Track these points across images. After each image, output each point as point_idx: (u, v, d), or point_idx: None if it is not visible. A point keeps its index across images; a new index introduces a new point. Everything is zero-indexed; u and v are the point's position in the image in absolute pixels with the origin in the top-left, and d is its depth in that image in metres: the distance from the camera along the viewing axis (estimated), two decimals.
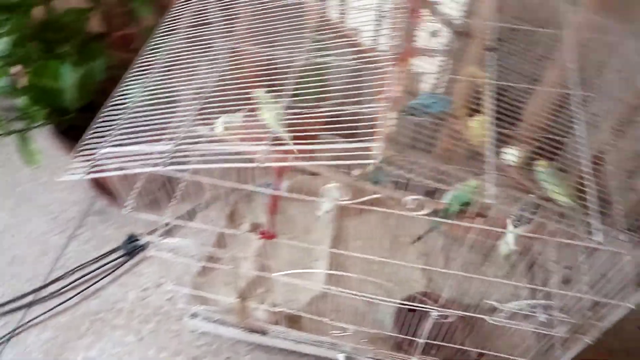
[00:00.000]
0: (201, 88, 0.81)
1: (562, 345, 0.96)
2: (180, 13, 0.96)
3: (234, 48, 0.96)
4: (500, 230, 0.72)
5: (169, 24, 0.95)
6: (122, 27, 1.28)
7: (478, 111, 0.83)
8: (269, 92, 0.84)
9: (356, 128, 0.65)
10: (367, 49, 0.96)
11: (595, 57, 0.90)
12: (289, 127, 0.69)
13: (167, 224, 0.94)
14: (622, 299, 0.79)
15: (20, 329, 1.27)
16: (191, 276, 1.19)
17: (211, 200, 1.25)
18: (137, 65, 0.89)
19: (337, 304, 1.10)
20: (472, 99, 0.88)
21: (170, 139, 0.72)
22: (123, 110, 0.80)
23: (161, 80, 0.89)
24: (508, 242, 1.00)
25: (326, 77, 0.80)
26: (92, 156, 0.74)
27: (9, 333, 1.26)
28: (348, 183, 0.76)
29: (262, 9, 0.96)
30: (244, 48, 0.99)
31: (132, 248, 1.38)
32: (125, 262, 1.39)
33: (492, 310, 0.91)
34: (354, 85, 0.77)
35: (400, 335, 1.07)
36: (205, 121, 0.94)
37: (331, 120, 0.75)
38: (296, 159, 0.65)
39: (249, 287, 1.16)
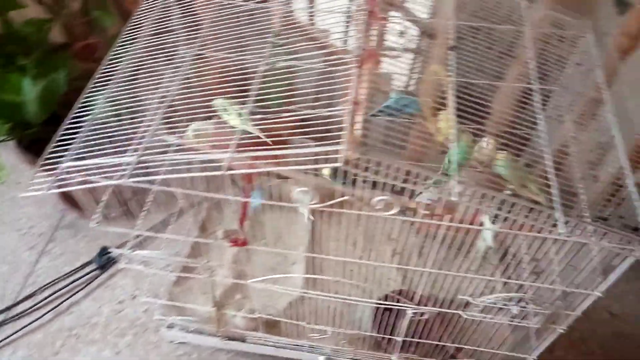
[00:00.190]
0: (165, 96, 0.80)
1: (537, 336, 0.97)
2: (142, 21, 0.95)
3: (198, 54, 0.95)
4: (471, 227, 0.72)
5: (131, 33, 0.94)
6: (84, 36, 1.25)
7: (443, 109, 0.84)
8: (235, 97, 0.84)
9: (325, 131, 0.65)
10: (336, 50, 0.96)
11: (555, 52, 0.92)
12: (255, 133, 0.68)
13: (137, 236, 0.92)
14: (591, 288, 0.80)
15: None
16: (166, 286, 1.18)
17: (184, 209, 1.24)
18: (99, 76, 0.87)
19: (315, 307, 1.10)
20: (437, 97, 0.89)
21: (135, 150, 0.71)
22: (86, 122, 0.78)
23: (125, 89, 0.87)
24: (485, 238, 1.02)
25: (290, 81, 0.80)
26: (55, 170, 0.73)
27: None
28: (317, 186, 0.76)
29: (226, 15, 0.95)
30: (208, 54, 0.98)
31: (104, 261, 1.35)
32: (99, 275, 1.36)
33: (467, 305, 0.92)
34: (320, 89, 0.77)
35: (379, 335, 1.07)
36: (172, 129, 0.93)
37: (299, 125, 0.75)
38: (262, 165, 0.64)
39: (226, 294, 1.15)
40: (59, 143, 0.77)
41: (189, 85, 0.90)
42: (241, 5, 0.95)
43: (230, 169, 0.64)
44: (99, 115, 0.80)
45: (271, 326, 1.13)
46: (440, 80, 0.82)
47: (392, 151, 1.10)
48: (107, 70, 0.87)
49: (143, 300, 1.11)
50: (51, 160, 0.75)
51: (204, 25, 0.86)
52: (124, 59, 0.88)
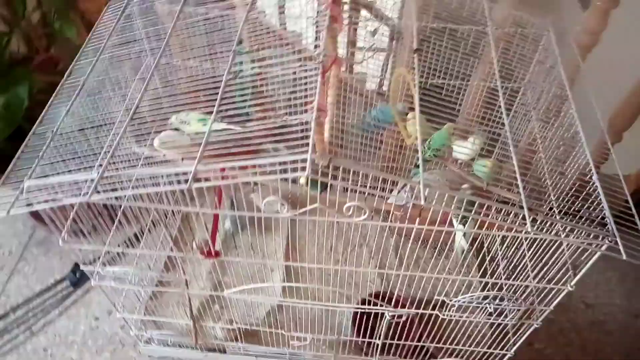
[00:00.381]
0: (131, 107, 0.78)
1: (514, 331, 0.98)
2: (104, 32, 0.93)
3: (164, 63, 0.93)
4: (441, 228, 0.73)
5: (94, 44, 0.92)
6: (46, 49, 1.22)
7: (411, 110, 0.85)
8: (204, 106, 0.83)
9: (294, 139, 0.64)
10: (306, 55, 0.96)
11: (518, 51, 0.93)
12: (220, 143, 0.67)
13: (108, 252, 0.90)
14: (563, 283, 0.82)
15: None
16: (142, 301, 1.15)
17: (156, 221, 1.22)
18: (62, 89, 0.85)
19: (295, 314, 1.10)
20: (406, 101, 0.89)
21: (100, 165, 0.69)
22: (49, 138, 0.76)
23: (89, 102, 0.85)
24: (459, 240, 1.02)
25: (256, 89, 0.79)
26: (18, 189, 0.71)
27: None
28: (288, 193, 0.76)
29: (191, 23, 0.94)
30: (175, 63, 0.97)
31: (78, 277, 1.32)
32: (73, 292, 1.33)
33: (444, 305, 0.93)
34: (287, 96, 0.77)
35: (359, 339, 1.07)
36: (140, 140, 0.92)
37: (267, 133, 0.74)
38: (228, 177, 0.63)
39: (204, 305, 1.14)
40: (22, 160, 0.74)
41: (156, 95, 0.88)
42: (206, 14, 0.94)
43: (197, 180, 0.63)
44: (62, 130, 0.78)
45: (251, 335, 1.12)
46: (406, 84, 0.83)
47: (366, 155, 1.11)
48: (70, 82, 0.85)
49: (119, 315, 1.09)
50: (13, 179, 0.73)
51: (168, 35, 0.85)
52: (87, 71, 0.86)
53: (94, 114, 0.86)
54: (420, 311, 0.93)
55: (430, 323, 1.00)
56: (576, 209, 0.79)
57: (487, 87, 1.03)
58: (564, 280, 0.81)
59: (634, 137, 1.37)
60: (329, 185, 0.68)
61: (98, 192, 0.64)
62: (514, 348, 0.99)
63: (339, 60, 0.69)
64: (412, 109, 0.87)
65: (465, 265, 1.23)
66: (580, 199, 0.79)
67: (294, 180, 0.78)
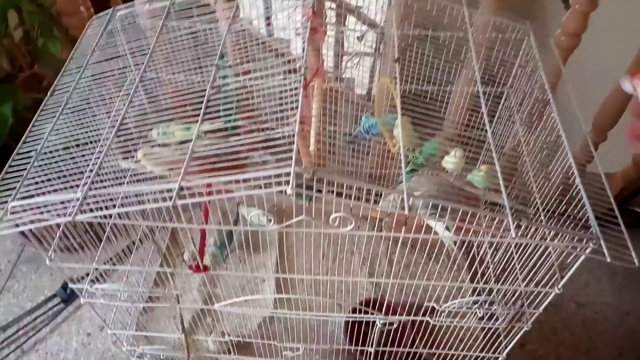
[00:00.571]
0: (115, 124, 0.78)
1: (505, 334, 0.99)
2: (87, 48, 0.93)
3: (148, 78, 0.94)
4: (426, 236, 0.73)
5: (77, 61, 0.91)
6: (30, 66, 1.22)
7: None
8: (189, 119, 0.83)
9: (280, 152, 0.65)
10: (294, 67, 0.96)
11: (500, 56, 0.94)
12: (205, 157, 0.67)
13: (96, 269, 0.90)
14: (551, 285, 0.82)
15: None
16: (134, 316, 1.15)
17: (146, 235, 1.21)
18: (46, 106, 0.85)
19: (287, 324, 1.10)
20: (391, 110, 0.90)
21: (84, 184, 0.69)
22: (34, 157, 0.76)
23: (74, 119, 0.85)
24: (448, 243, 1.03)
25: (239, 103, 0.79)
26: (2, 211, 0.70)
27: None
28: (274, 205, 0.76)
29: (174, 37, 0.94)
30: (160, 77, 0.97)
31: (69, 294, 1.31)
32: (64, 309, 1.32)
33: (434, 310, 0.93)
34: (272, 109, 0.77)
35: (351, 347, 1.07)
36: (126, 155, 0.91)
37: (253, 147, 0.74)
38: (213, 193, 0.63)
39: (196, 319, 1.13)
40: (7, 179, 0.74)
41: (141, 110, 0.88)
42: (190, 27, 0.94)
43: (182, 196, 0.63)
44: (47, 149, 0.78)
45: (243, 347, 1.11)
46: (390, 92, 0.83)
47: (355, 161, 1.11)
48: (54, 100, 0.85)
49: (110, 332, 1.08)
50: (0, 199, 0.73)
51: (152, 49, 0.85)
52: (71, 87, 0.86)
53: (79, 132, 0.85)
54: (411, 318, 0.93)
55: (422, 329, 1.00)
56: (561, 212, 0.80)
57: (471, 93, 1.04)
58: (551, 282, 0.82)
59: (618, 135, 1.39)
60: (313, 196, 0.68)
61: (83, 211, 0.64)
62: (506, 351, 1.00)
63: (321, 72, 0.69)
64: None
65: (455, 269, 1.23)
66: (564, 202, 0.79)
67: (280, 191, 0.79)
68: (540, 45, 0.95)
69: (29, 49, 1.21)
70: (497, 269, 1.00)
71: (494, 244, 1.06)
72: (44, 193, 0.73)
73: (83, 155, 0.82)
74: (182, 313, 1.03)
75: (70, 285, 0.87)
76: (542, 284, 0.83)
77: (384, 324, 0.95)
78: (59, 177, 0.78)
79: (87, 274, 0.94)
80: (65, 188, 0.74)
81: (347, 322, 1.12)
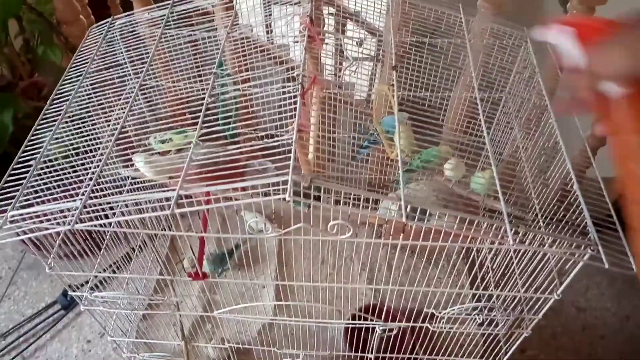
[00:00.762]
0: (114, 132, 0.78)
1: (506, 340, 0.99)
2: (87, 56, 0.93)
3: (148, 85, 0.94)
4: (423, 242, 0.73)
5: (76, 69, 0.92)
6: (30, 74, 1.22)
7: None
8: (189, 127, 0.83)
9: (280, 160, 0.65)
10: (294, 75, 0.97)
11: (498, 62, 0.94)
12: (204, 165, 0.68)
13: (95, 277, 0.90)
14: (550, 291, 0.82)
15: None
16: (134, 323, 1.15)
17: (145, 242, 1.22)
18: (46, 115, 0.85)
19: (287, 330, 1.09)
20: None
21: (83, 193, 0.70)
22: (32, 166, 0.76)
23: (73, 128, 0.86)
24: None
25: (237, 111, 0.79)
26: (1, 219, 0.71)
27: None
28: (273, 212, 0.76)
29: (173, 46, 0.95)
30: (159, 85, 0.97)
31: (69, 300, 1.31)
32: (64, 315, 1.32)
33: (434, 316, 0.93)
34: (272, 117, 0.77)
35: (351, 353, 1.07)
36: (126, 163, 0.92)
37: (252, 155, 0.74)
38: (210, 201, 0.64)
39: (196, 326, 1.13)
40: (6, 187, 0.74)
41: (141, 117, 0.89)
42: (188, 35, 0.95)
43: (180, 205, 0.63)
44: (46, 157, 0.78)
45: (243, 354, 1.11)
46: (387, 100, 0.84)
47: (354, 169, 1.11)
48: (54, 108, 0.86)
49: (110, 339, 1.09)
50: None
51: (151, 57, 0.85)
52: (71, 96, 0.86)
53: (79, 140, 0.86)
54: (410, 324, 0.94)
55: (422, 335, 1.00)
56: (559, 218, 0.80)
57: (469, 99, 1.04)
58: (550, 288, 0.82)
59: None
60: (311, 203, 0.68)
61: (82, 220, 0.65)
62: (506, 356, 1.00)
63: (319, 80, 0.69)
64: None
65: (455, 273, 1.23)
66: (562, 208, 0.80)
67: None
68: (537, 51, 0.95)
69: (29, 57, 1.22)
70: (497, 275, 1.00)
71: (493, 250, 1.06)
72: (43, 201, 0.73)
73: (83, 164, 0.83)
74: (181, 320, 1.03)
75: (70, 292, 0.87)
76: (541, 289, 0.83)
77: (384, 331, 0.95)
78: (58, 186, 0.78)
79: (87, 282, 0.94)
80: (65, 196, 0.75)
81: (346, 329, 1.12)
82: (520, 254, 0.90)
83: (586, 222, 0.73)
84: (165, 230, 1.06)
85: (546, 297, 0.82)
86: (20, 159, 0.78)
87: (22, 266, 1.45)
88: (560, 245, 0.70)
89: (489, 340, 0.99)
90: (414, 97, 0.95)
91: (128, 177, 0.96)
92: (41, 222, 0.69)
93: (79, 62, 0.93)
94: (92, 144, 0.88)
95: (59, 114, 0.83)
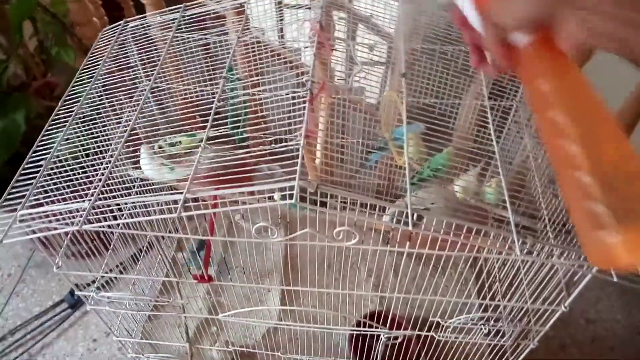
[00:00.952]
0: (124, 134, 0.79)
1: (512, 351, 0.98)
2: (99, 58, 0.94)
3: (159, 88, 0.95)
4: (429, 251, 0.72)
5: (88, 71, 0.93)
6: (43, 75, 1.24)
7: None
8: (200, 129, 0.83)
9: (288, 165, 0.65)
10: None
11: (509, 70, 0.93)
12: (211, 170, 0.68)
13: (102, 276, 0.91)
14: (558, 303, 0.81)
15: None
16: (139, 323, 1.16)
17: (153, 243, 1.22)
18: (57, 115, 0.86)
19: (292, 334, 1.09)
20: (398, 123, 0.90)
21: (92, 194, 0.70)
22: (43, 165, 0.77)
23: (84, 129, 0.86)
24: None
25: (246, 115, 0.80)
26: (12, 218, 0.71)
27: None
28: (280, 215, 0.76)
29: (185, 49, 0.95)
30: (170, 88, 0.98)
31: (76, 299, 1.32)
32: (71, 314, 1.33)
33: (439, 325, 0.92)
34: (281, 122, 0.77)
35: None
36: (136, 164, 0.92)
37: (260, 159, 0.75)
38: (217, 205, 0.64)
39: (200, 328, 1.13)
40: (17, 186, 0.75)
41: (151, 120, 0.89)
42: (200, 39, 0.95)
43: (187, 208, 0.63)
44: (57, 158, 0.79)
45: (247, 357, 1.11)
46: (397, 107, 0.83)
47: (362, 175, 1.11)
48: (65, 109, 0.86)
49: (115, 339, 1.09)
50: (7, 206, 0.74)
51: (162, 60, 0.86)
52: (82, 97, 0.87)
53: (89, 141, 0.87)
54: (416, 332, 0.93)
55: (427, 343, 0.99)
56: (569, 229, 0.79)
57: (479, 106, 1.03)
58: (558, 300, 0.81)
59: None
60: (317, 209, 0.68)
61: (90, 221, 0.65)
62: None
63: (327, 87, 0.69)
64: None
65: (462, 282, 1.23)
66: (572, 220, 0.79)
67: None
68: None
69: (43, 58, 1.23)
70: (504, 285, 0.99)
71: (501, 260, 1.05)
72: (52, 201, 0.74)
73: (92, 165, 0.83)
74: (187, 322, 1.04)
75: (77, 292, 0.87)
76: (548, 301, 0.82)
77: (389, 338, 0.95)
78: (68, 186, 0.79)
79: (94, 281, 0.95)
80: (74, 197, 0.75)
81: (351, 335, 1.11)
82: (528, 264, 0.89)
83: None
84: (172, 232, 1.07)
85: (554, 309, 0.81)
86: (31, 159, 0.78)
87: (30, 264, 1.46)
88: (568, 257, 0.69)
89: (495, 350, 0.98)
90: (423, 105, 0.94)
91: (137, 179, 0.97)
92: (50, 221, 0.69)
93: (91, 63, 0.93)
94: (102, 145, 0.89)
95: (70, 115, 0.84)
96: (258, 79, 0.76)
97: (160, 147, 0.80)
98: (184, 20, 0.93)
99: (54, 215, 0.69)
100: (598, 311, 1.41)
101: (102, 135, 0.89)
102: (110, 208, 0.67)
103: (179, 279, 0.79)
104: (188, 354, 1.04)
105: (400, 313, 1.09)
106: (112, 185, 0.78)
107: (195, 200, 0.63)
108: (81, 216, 0.66)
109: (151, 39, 0.95)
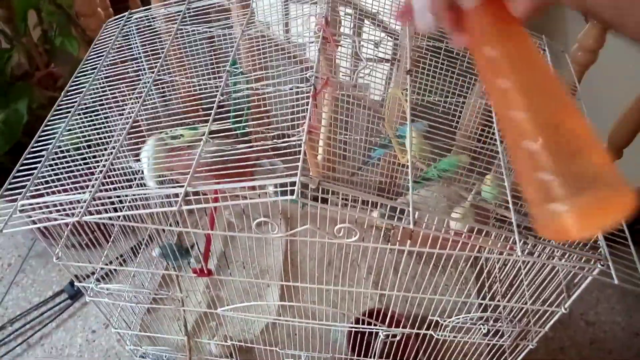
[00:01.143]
0: (125, 126, 0.79)
1: (511, 351, 0.97)
2: (102, 49, 0.94)
3: (163, 80, 0.94)
4: (430, 250, 0.72)
5: (92, 62, 0.93)
6: (46, 65, 1.24)
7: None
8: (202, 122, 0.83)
9: (290, 161, 0.65)
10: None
11: None
12: (212, 164, 0.68)
13: (102, 268, 0.91)
14: (558, 304, 0.81)
15: None
16: (138, 315, 1.16)
17: (153, 235, 1.22)
18: (60, 105, 0.86)
19: (290, 329, 1.09)
20: (402, 121, 0.90)
21: (93, 185, 0.70)
22: (45, 157, 0.77)
23: (86, 120, 0.86)
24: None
25: (248, 110, 0.79)
26: (11, 208, 0.71)
27: None
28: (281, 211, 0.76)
29: (189, 42, 0.95)
30: (174, 81, 0.98)
31: (76, 290, 1.32)
32: (70, 305, 1.34)
33: (438, 324, 0.92)
34: (284, 117, 0.77)
35: (354, 357, 1.06)
36: (138, 156, 0.92)
37: (265, 154, 0.74)
38: (218, 199, 0.64)
39: (199, 322, 1.14)
40: (18, 177, 0.75)
41: (154, 112, 0.89)
42: (205, 32, 0.95)
43: (187, 202, 0.63)
44: (58, 149, 0.79)
45: (246, 352, 1.11)
46: (400, 104, 0.83)
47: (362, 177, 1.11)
48: (67, 99, 0.86)
49: (114, 330, 1.09)
50: (8, 196, 0.74)
51: (165, 52, 0.86)
52: (85, 88, 0.87)
53: (91, 132, 0.86)
54: (414, 331, 0.93)
55: (426, 342, 0.99)
56: None
57: (484, 105, 1.03)
58: (558, 301, 0.81)
59: (634, 153, 1.36)
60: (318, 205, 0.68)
61: (90, 212, 0.65)
62: None
63: (331, 82, 0.69)
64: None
65: (462, 281, 1.22)
66: None
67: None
68: (555, 60, 0.94)
69: (47, 48, 1.23)
70: (504, 285, 0.98)
71: (502, 260, 1.05)
72: (53, 192, 0.74)
73: (94, 156, 0.83)
74: (185, 315, 1.04)
75: (76, 283, 0.87)
76: (548, 302, 0.82)
77: (387, 336, 0.95)
78: (69, 177, 0.79)
79: (94, 273, 0.95)
80: (75, 188, 0.75)
81: (350, 332, 1.11)
82: (529, 265, 0.88)
83: (597, 236, 0.72)
84: (172, 225, 1.07)
85: (553, 310, 0.81)
86: (32, 149, 0.78)
87: (31, 254, 1.46)
88: (569, 259, 0.69)
89: (494, 350, 0.98)
90: (427, 103, 0.94)
91: (139, 171, 0.97)
92: (50, 212, 0.69)
93: (95, 54, 0.93)
94: (104, 137, 0.88)
95: (73, 106, 0.84)
96: (262, 74, 0.76)
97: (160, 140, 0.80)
98: (188, 13, 0.93)
99: (55, 205, 0.69)
100: (598, 313, 1.40)
101: (104, 127, 0.89)
102: (111, 200, 0.66)
103: (179, 272, 0.79)
104: (186, 347, 1.04)
105: (400, 311, 1.09)
106: (114, 177, 0.78)
107: (196, 194, 0.63)
108: (82, 207, 0.66)
109: (155, 31, 0.95)
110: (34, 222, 0.71)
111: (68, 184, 0.78)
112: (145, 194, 0.64)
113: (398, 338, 0.95)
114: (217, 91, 0.73)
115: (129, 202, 0.73)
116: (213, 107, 0.71)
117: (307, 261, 1.31)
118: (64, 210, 0.69)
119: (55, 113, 0.84)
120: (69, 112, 0.83)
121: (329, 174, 0.88)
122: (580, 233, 0.40)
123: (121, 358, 1.24)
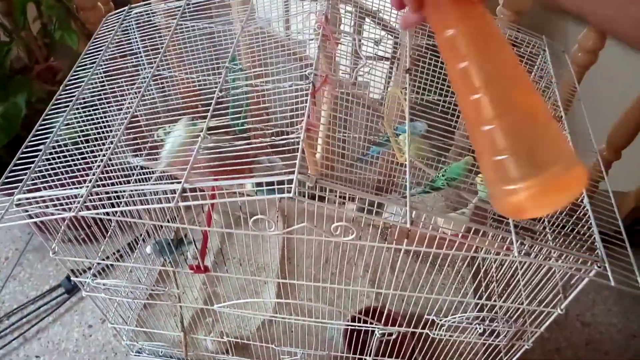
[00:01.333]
0: (124, 121, 0.78)
1: (506, 351, 0.98)
2: (102, 43, 0.93)
3: (162, 76, 0.94)
4: (427, 249, 0.72)
5: (91, 56, 0.92)
6: (46, 58, 1.23)
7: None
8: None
9: (289, 158, 0.65)
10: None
11: None
12: (210, 161, 0.68)
13: (99, 263, 0.91)
14: (554, 305, 0.81)
15: None
16: (135, 311, 1.16)
17: (151, 231, 1.22)
18: (58, 100, 0.86)
19: (287, 327, 1.09)
20: (401, 120, 0.89)
21: (90, 180, 0.70)
22: (42, 151, 0.77)
23: (84, 114, 0.86)
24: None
25: (247, 107, 0.79)
26: (8, 202, 0.71)
27: None
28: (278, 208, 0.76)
29: (189, 37, 0.95)
30: (172, 76, 0.97)
31: (73, 284, 1.32)
32: (67, 299, 1.34)
33: (434, 323, 0.92)
34: (283, 114, 0.77)
35: (349, 355, 1.06)
36: (136, 151, 0.92)
37: (264, 151, 0.74)
38: (215, 196, 0.63)
39: (195, 318, 1.14)
40: (15, 170, 0.75)
41: (153, 107, 0.89)
42: (204, 28, 0.95)
43: (184, 198, 0.63)
44: (56, 142, 0.79)
45: (242, 349, 1.11)
46: (399, 102, 0.83)
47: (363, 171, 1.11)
48: (66, 94, 0.86)
49: (110, 326, 1.09)
50: (7, 189, 0.74)
51: (165, 47, 0.85)
52: (84, 82, 0.86)
53: (89, 126, 0.86)
54: (410, 329, 0.93)
55: (422, 340, 0.99)
56: (568, 231, 0.79)
57: None
58: (554, 302, 0.81)
59: (633, 154, 1.37)
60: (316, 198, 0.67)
61: (87, 207, 0.65)
62: None
63: (330, 80, 0.69)
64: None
65: (459, 280, 1.22)
66: (571, 222, 0.78)
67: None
68: (556, 61, 0.94)
69: (46, 41, 1.22)
70: (501, 285, 0.98)
71: (499, 260, 1.05)
72: (50, 186, 0.74)
73: (92, 151, 0.83)
74: (182, 311, 1.04)
75: (73, 278, 0.87)
76: (545, 303, 0.82)
77: (383, 334, 0.95)
78: (66, 172, 0.79)
79: (90, 268, 0.95)
80: (72, 182, 0.75)
81: (346, 329, 1.11)
82: (525, 265, 0.88)
83: (595, 237, 0.72)
84: (170, 221, 1.06)
85: (550, 311, 0.81)
86: (30, 143, 0.78)
87: (28, 248, 1.46)
88: (566, 260, 0.69)
89: (490, 350, 0.98)
90: (426, 102, 0.93)
91: (136, 167, 0.96)
92: (47, 206, 0.69)
93: (94, 48, 0.93)
94: (103, 132, 0.88)
95: (72, 100, 0.83)
96: (261, 70, 0.76)
97: (158, 136, 0.79)
98: (188, 8, 0.92)
99: (52, 200, 0.69)
100: (594, 314, 1.40)
101: (103, 122, 0.89)
102: (108, 195, 0.66)
103: (176, 268, 0.79)
104: (182, 343, 1.04)
105: (396, 309, 1.09)
106: (111, 172, 0.78)
107: (193, 190, 0.63)
108: (79, 202, 0.66)
109: (155, 26, 0.94)
110: (30, 217, 0.70)
111: (65, 179, 0.78)
112: (142, 190, 0.64)
113: (394, 336, 0.95)
114: (216, 87, 0.73)
115: (127, 197, 0.73)
116: (211, 103, 0.71)
117: (304, 259, 1.31)
118: (61, 204, 0.69)
119: (53, 107, 0.83)
120: (68, 106, 0.82)
121: (327, 172, 0.88)
122: (536, 212, 0.42)
123: (117, 353, 1.24)
